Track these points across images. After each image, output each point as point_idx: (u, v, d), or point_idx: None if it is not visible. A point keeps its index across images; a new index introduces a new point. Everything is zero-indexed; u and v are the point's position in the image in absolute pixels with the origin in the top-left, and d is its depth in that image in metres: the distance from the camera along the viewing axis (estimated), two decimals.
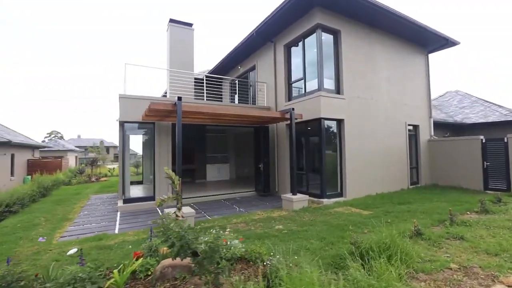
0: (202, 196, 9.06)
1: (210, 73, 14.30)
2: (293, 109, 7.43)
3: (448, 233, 4.53)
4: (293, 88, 9.35)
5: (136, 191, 9.84)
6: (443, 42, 10.36)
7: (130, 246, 4.50)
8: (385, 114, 9.30)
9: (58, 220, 6.69)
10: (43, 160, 19.66)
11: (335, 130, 8.26)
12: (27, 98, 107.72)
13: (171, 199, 3.69)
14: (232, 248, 3.20)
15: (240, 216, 6.51)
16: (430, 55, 11.31)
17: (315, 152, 8.26)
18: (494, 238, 4.27)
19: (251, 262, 3.38)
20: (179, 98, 5.79)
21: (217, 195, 9.30)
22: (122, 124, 8.02)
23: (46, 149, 24.58)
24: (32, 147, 19.91)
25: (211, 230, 3.67)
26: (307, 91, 8.52)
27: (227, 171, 14.58)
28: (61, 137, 61.81)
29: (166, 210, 5.73)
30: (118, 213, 7.38)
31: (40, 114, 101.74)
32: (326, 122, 7.98)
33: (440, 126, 13.33)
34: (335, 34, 8.31)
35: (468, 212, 6.09)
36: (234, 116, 7.40)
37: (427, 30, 9.39)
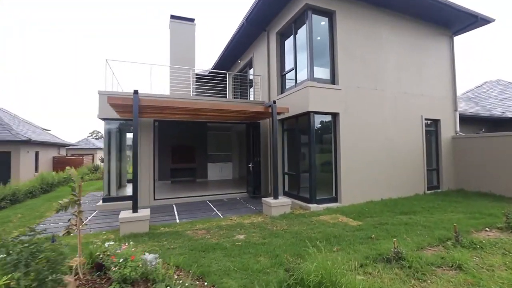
0: (189, 197, 8.58)
1: (213, 69, 13.86)
2: (274, 102, 6.57)
3: (443, 259, 3.42)
4: (287, 80, 8.45)
5: (129, 190, 9.70)
6: (471, 20, 8.64)
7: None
8: (394, 106, 7.97)
9: (33, 217, 6.64)
10: (67, 158, 20.96)
11: (329, 126, 7.22)
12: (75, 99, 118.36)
13: (71, 203, 3.15)
14: (120, 268, 2.55)
15: (210, 221, 5.86)
16: (457, 37, 9.59)
17: (306, 151, 7.29)
18: (508, 271, 3.10)
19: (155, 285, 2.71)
20: (135, 92, 5.30)
21: (205, 195, 8.75)
22: (105, 121, 7.86)
23: (74, 147, 26.31)
24: (58, 145, 21.32)
25: (107, 244, 3.07)
26: (298, 82, 7.58)
27: (229, 170, 14.03)
28: (101, 137, 66.79)
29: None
30: (95, 212, 7.17)
31: (90, 115, 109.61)
32: (318, 117, 6.98)
33: (474, 121, 11.40)
34: (330, 15, 7.25)
35: (487, 229, 4.76)
36: (211, 111, 6.76)
37: (449, 6, 7.85)
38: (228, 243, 4.31)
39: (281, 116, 8.01)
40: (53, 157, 20.06)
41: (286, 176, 8.27)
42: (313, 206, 6.56)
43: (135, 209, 5.16)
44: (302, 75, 7.41)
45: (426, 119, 8.63)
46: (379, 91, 7.71)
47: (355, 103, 7.29)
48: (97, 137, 67.49)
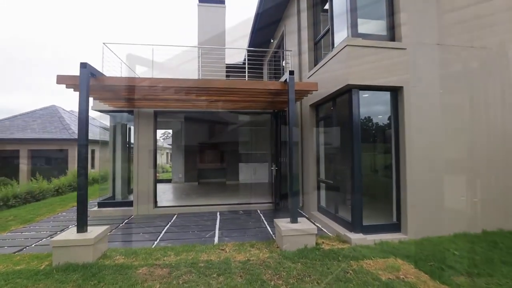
0: (199, 205, 6.98)
1: (247, 53, 12.16)
2: (291, 72, 4.29)
3: None
4: (323, 52, 6.03)
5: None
6: None
7: None
8: (508, 74, 4.74)
9: (20, 222, 5.96)
10: None
11: (386, 109, 4.58)
12: None
13: None
14: None
15: (191, 249, 3.99)
16: None
17: (349, 150, 4.78)
18: None
19: None
20: (83, 65, 3.81)
21: (219, 205, 7.01)
22: (109, 114, 6.98)
23: None
24: None
25: None
26: (334, 47, 5.12)
27: (265, 172, 12.03)
28: (167, 137, 72.57)
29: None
30: None
31: None
32: (366, 95, 4.44)
33: None
34: None
35: None
36: (201, 92, 4.92)
37: None
38: None
39: (313, 100, 5.69)
40: None
41: (323, 186, 5.88)
42: (356, 238, 4.06)
43: (80, 227, 3.69)
44: (341, 36, 4.93)
45: None
46: (479, 50, 4.61)
47: (432, 70, 4.44)
48: (166, 137, 73.24)
